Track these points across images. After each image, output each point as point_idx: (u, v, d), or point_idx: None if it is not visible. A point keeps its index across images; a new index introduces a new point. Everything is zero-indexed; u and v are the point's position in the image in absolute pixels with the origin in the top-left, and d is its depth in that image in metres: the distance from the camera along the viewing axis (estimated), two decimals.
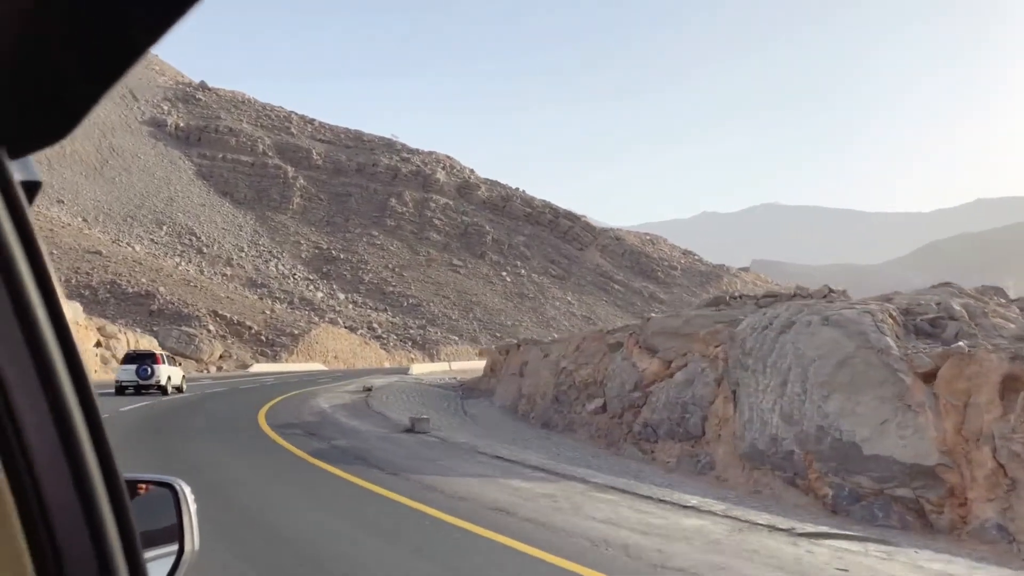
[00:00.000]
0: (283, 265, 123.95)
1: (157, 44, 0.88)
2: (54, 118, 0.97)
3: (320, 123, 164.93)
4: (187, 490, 1.89)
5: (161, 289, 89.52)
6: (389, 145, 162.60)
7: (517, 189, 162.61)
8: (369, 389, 35.89)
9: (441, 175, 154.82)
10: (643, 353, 21.01)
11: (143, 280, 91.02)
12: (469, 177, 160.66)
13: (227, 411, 24.64)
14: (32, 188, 1.10)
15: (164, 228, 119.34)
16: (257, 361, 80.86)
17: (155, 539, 1.81)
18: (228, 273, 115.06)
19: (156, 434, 17.38)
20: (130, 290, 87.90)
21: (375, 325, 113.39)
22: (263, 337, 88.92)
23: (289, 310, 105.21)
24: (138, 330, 70.28)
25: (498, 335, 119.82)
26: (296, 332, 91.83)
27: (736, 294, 22.94)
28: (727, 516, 9.71)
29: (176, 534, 1.84)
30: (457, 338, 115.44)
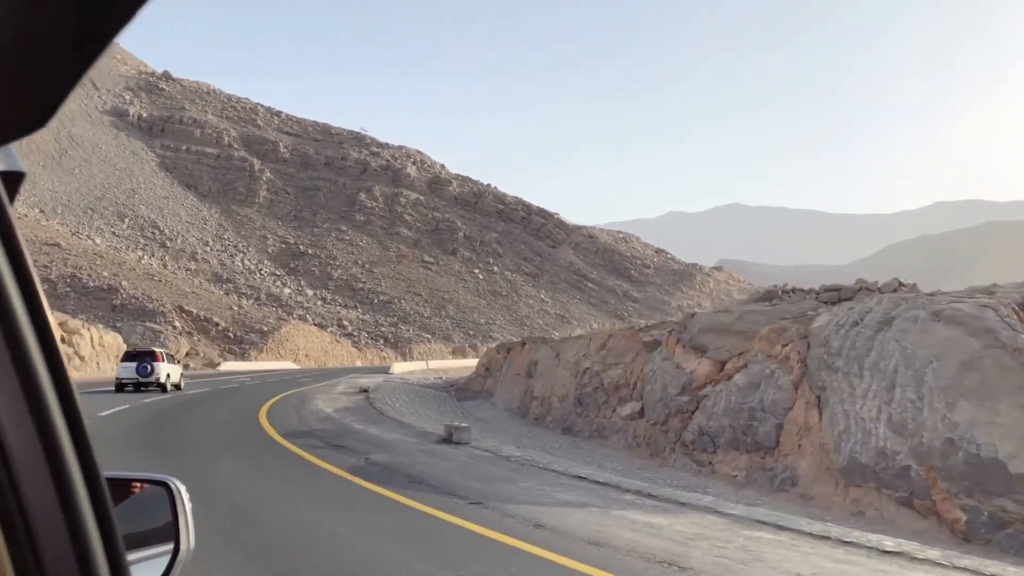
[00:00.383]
0: (249, 260, 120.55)
1: (136, 17, 0.85)
2: (34, 104, 0.92)
3: (287, 115, 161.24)
4: (182, 489, 1.89)
5: (124, 283, 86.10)
6: (358, 139, 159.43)
7: (489, 185, 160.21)
8: (366, 390, 33.71)
9: (412, 170, 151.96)
10: (689, 353, 18.78)
11: (105, 274, 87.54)
12: (440, 172, 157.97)
13: (224, 417, 21.86)
14: (14, 179, 1.05)
15: (126, 221, 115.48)
16: (224, 359, 77.80)
17: (150, 538, 1.83)
18: (193, 268, 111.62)
19: (155, 451, 14.69)
20: (91, 284, 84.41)
21: (345, 323, 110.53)
22: (231, 334, 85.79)
23: (256, 306, 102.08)
24: (100, 326, 66.91)
25: (471, 333, 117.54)
26: (265, 329, 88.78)
27: (788, 288, 20.88)
28: (957, 567, 7.48)
29: (172, 533, 1.84)
30: (430, 336, 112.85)
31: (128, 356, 35.11)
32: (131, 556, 1.59)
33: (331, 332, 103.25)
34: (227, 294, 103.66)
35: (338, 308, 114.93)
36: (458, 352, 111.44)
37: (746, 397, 16.04)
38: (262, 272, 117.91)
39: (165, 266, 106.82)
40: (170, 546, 1.81)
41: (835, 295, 19.82)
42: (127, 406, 24.32)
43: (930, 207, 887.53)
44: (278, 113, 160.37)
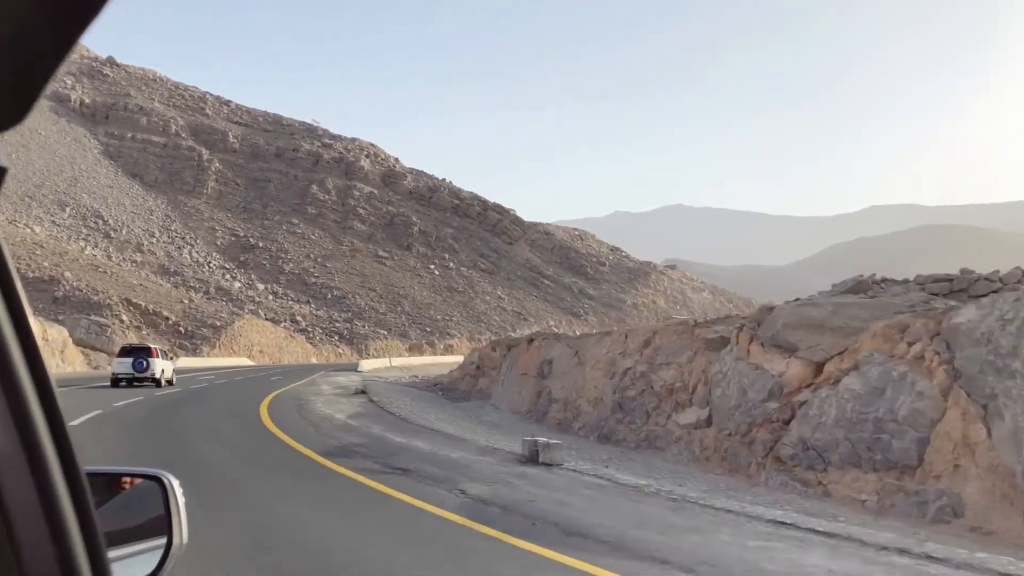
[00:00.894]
0: (197, 252, 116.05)
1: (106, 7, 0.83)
2: (10, 99, 0.89)
3: (237, 105, 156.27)
4: (175, 483, 1.91)
5: (67, 274, 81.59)
6: (310, 130, 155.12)
7: (444, 180, 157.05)
8: (363, 392, 31.22)
9: (365, 163, 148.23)
10: (771, 352, 16.31)
11: (45, 264, 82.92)
12: (394, 166, 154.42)
13: (227, 427, 18.53)
14: None
15: (67, 210, 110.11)
16: (176, 355, 73.75)
17: (143, 532, 1.85)
18: (138, 259, 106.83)
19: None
20: (31, 275, 79.64)
21: (298, 318, 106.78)
22: (182, 328, 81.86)
23: (206, 300, 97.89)
24: (42, 319, 62.71)
25: (428, 330, 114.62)
26: (218, 324, 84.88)
27: (878, 278, 18.58)
28: None
29: (164, 527, 1.86)
30: (386, 332, 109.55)
31: (124, 351, 35.65)
32: (124, 550, 1.72)
33: (284, 327, 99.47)
34: (176, 287, 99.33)
35: (290, 303, 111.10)
36: (415, 349, 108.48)
37: (868, 405, 13.61)
38: (211, 265, 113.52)
39: (109, 257, 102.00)
40: (163, 540, 1.81)
41: (946, 286, 17.62)
42: (99, 411, 20.98)
43: (867, 210, 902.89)
44: (227, 102, 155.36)
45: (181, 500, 1.88)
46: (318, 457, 14.43)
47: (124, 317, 78.37)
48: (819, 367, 15.47)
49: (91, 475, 1.55)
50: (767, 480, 15.11)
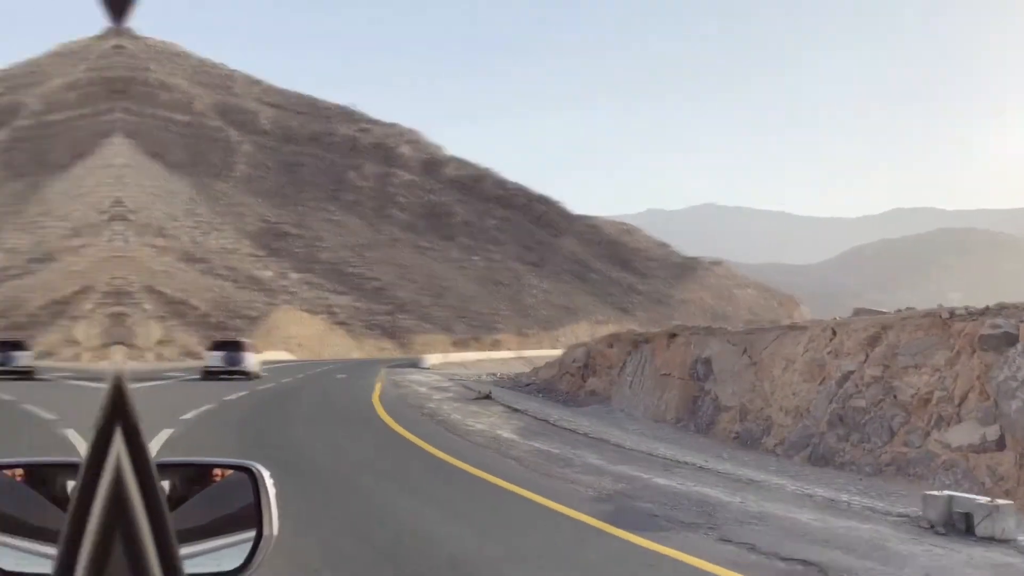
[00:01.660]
0: (225, 238, 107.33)
1: None
2: None
3: (268, 85, 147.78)
4: (266, 474, 1.94)
5: None
6: (347, 114, 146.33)
7: (488, 169, 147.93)
8: (488, 396, 26.38)
9: (405, 149, 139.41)
10: None
11: None
12: (436, 153, 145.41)
13: (384, 461, 12.63)
14: None
15: None
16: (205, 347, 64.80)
17: (234, 524, 1.90)
18: (160, 244, 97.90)
19: None
20: None
21: (336, 309, 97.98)
22: (212, 320, 73.11)
23: (237, 289, 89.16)
24: None
25: (474, 324, 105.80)
26: (253, 315, 76.27)
27: None
28: None
29: (255, 519, 1.90)
30: (430, 326, 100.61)
31: (216, 346, 36.66)
32: (214, 542, 1.77)
33: (323, 319, 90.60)
34: (202, 275, 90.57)
35: (327, 293, 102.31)
36: (460, 344, 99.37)
37: None
38: (240, 252, 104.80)
39: (127, 241, 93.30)
40: (252, 532, 1.84)
41: None
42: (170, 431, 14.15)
43: (889, 212, 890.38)
44: (257, 82, 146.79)
45: (272, 492, 1.82)
46: (605, 525, 8.87)
47: (147, 306, 69.70)
48: None
49: (181, 466, 1.81)
50: None
